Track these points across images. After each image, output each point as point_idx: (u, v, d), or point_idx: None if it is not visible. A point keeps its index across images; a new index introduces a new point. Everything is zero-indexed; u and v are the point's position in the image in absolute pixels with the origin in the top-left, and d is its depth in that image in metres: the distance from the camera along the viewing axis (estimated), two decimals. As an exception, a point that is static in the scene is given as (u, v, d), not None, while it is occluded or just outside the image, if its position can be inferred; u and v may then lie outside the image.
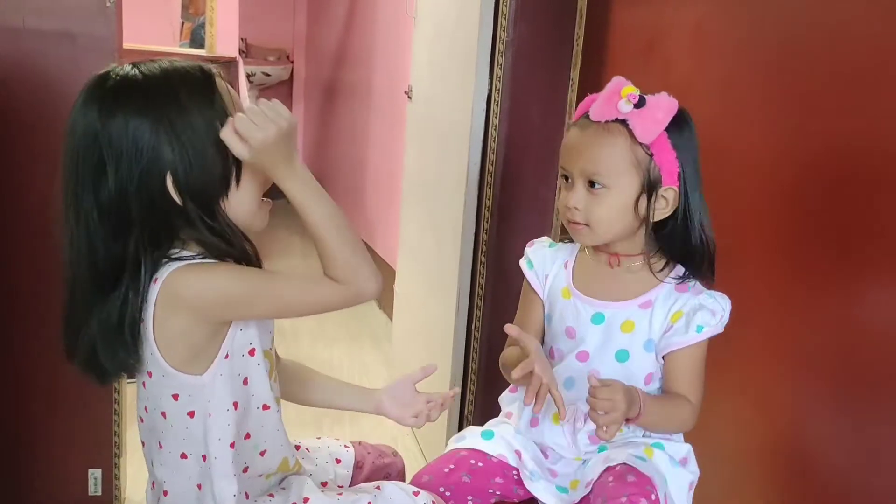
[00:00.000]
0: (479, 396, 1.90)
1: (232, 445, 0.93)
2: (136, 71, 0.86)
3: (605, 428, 0.90)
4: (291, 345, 2.84)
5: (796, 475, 1.12)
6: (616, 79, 0.99)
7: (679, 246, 1.01)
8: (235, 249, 0.89)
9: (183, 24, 3.70)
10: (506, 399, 1.18)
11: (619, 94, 0.96)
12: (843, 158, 1.04)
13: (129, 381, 1.74)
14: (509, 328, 1.00)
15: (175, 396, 0.90)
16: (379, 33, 3.57)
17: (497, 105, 1.76)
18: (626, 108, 0.95)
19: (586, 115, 1.00)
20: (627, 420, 0.94)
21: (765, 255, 1.19)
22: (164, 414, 0.91)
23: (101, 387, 0.93)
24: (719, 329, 1.01)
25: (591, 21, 1.69)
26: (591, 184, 0.98)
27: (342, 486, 1.11)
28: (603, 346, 1.04)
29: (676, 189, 0.98)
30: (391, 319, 2.80)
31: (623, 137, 0.96)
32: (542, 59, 1.74)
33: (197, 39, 3.60)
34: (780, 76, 1.16)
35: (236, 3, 3.68)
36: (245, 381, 0.93)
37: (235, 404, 0.92)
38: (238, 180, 0.88)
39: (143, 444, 0.97)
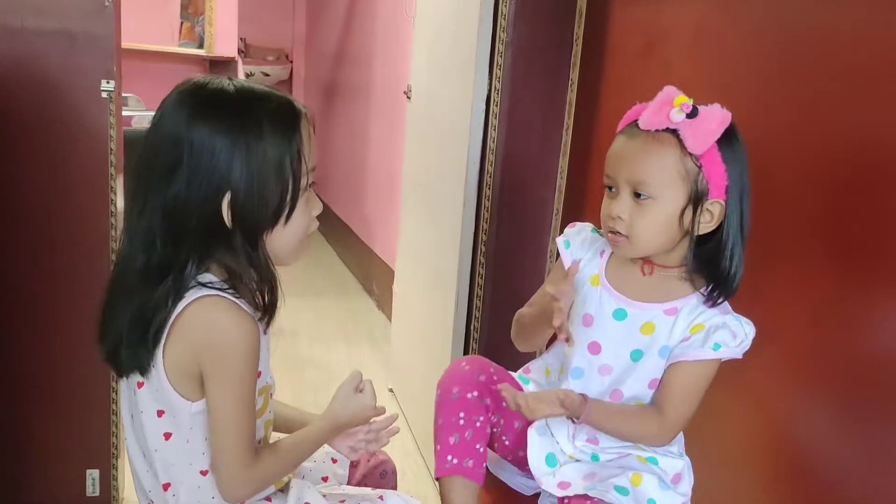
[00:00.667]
0: (478, 397, 1.90)
1: (203, 473, 0.92)
2: (233, 87, 0.87)
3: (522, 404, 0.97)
4: (290, 346, 2.85)
5: (794, 478, 1.12)
6: (667, 88, 0.97)
7: (708, 262, 0.99)
8: (263, 283, 0.89)
9: (182, 23, 3.70)
10: None
11: (671, 104, 0.94)
12: (844, 160, 1.04)
13: (127, 381, 1.75)
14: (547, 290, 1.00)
15: (160, 413, 0.90)
16: (378, 33, 3.57)
17: (496, 105, 1.76)
18: (678, 117, 0.93)
19: (634, 124, 0.98)
20: (573, 421, 1.01)
21: (764, 257, 1.19)
22: (143, 425, 0.91)
23: (119, 378, 0.94)
24: (737, 354, 0.99)
25: (591, 21, 1.69)
26: (637, 194, 0.96)
27: (342, 484, 1.11)
28: (619, 342, 1.03)
29: (723, 203, 0.96)
30: (390, 320, 2.80)
31: (673, 147, 0.95)
32: (541, 60, 1.74)
33: (196, 39, 3.60)
34: (779, 77, 1.16)
35: (235, 2, 3.68)
36: None
37: None
38: (288, 219, 0.88)
39: (128, 450, 0.97)
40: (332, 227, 4.27)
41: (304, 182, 0.88)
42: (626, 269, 1.05)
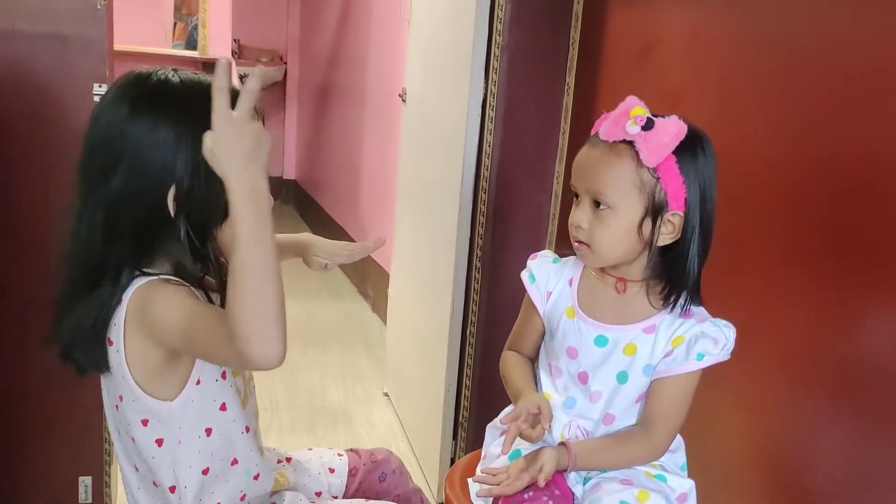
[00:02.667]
0: (474, 401, 1.90)
1: (205, 472, 0.91)
2: (177, 78, 0.86)
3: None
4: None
5: (791, 486, 1.12)
6: (629, 98, 0.97)
7: (668, 271, 1.00)
8: (211, 277, 0.87)
9: (175, 24, 3.68)
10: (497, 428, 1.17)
11: (628, 115, 0.95)
12: (840, 164, 1.04)
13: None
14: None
15: (144, 422, 0.89)
16: (373, 35, 3.56)
17: (492, 110, 1.75)
18: (632, 129, 0.94)
19: (598, 134, 0.99)
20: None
21: (762, 262, 1.19)
22: (133, 440, 0.90)
23: (80, 378, 0.92)
24: (724, 357, 0.99)
25: (587, 26, 1.68)
26: (597, 203, 0.97)
27: (336, 497, 1.10)
28: (604, 366, 1.03)
29: (682, 214, 0.96)
30: (385, 323, 2.79)
31: (629, 159, 0.95)
32: (537, 64, 1.74)
33: (189, 40, 3.59)
34: (775, 82, 1.16)
35: (229, 3, 3.66)
36: (223, 407, 0.92)
37: (209, 430, 0.91)
38: None
39: (120, 468, 0.96)
40: (327, 229, 4.26)
41: None
42: (599, 293, 1.05)
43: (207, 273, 0.88)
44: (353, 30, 3.99)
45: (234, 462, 0.94)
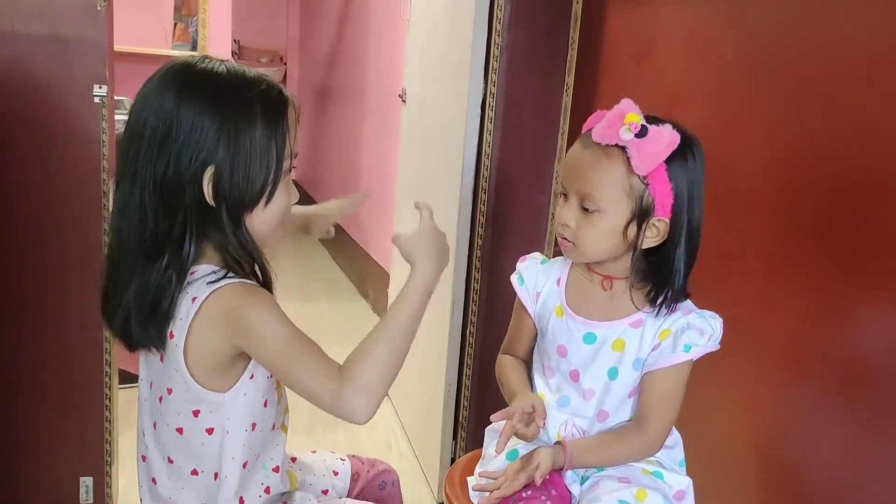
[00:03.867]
0: (474, 400, 1.90)
1: (244, 466, 0.93)
2: (224, 68, 0.89)
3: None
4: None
5: (787, 480, 1.12)
6: (624, 101, 0.97)
7: (651, 273, 1.00)
8: (255, 262, 0.90)
9: (175, 24, 3.68)
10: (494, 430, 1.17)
11: (622, 120, 0.95)
12: (834, 164, 1.04)
13: (120, 387, 1.74)
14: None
15: (196, 413, 0.90)
16: (372, 36, 3.56)
17: (492, 110, 1.75)
18: (626, 136, 0.94)
19: (590, 133, 0.99)
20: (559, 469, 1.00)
21: (756, 261, 1.19)
22: (180, 430, 0.91)
23: (130, 353, 0.94)
24: (712, 347, 1.00)
25: (586, 26, 1.69)
26: (584, 207, 0.98)
27: (342, 497, 1.10)
28: (594, 364, 1.04)
29: (668, 220, 0.97)
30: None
31: (620, 164, 0.95)
32: (536, 64, 1.74)
33: (189, 41, 3.59)
34: (772, 82, 1.16)
35: (229, 4, 3.66)
36: (265, 404, 0.94)
37: (253, 425, 0.93)
38: (269, 200, 0.89)
39: (142, 458, 0.96)
40: (327, 229, 4.25)
41: (286, 165, 0.90)
42: (586, 291, 1.06)
43: (251, 256, 0.90)
44: (353, 30, 3.99)
45: (258, 457, 0.96)
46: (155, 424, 0.94)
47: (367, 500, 1.13)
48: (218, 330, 0.86)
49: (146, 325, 0.87)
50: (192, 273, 0.87)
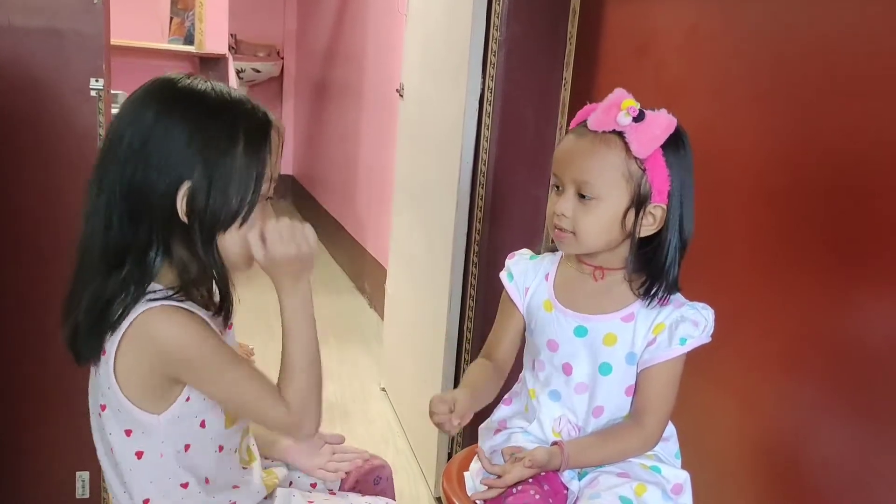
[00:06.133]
0: (471, 397, 1.90)
1: (184, 486, 0.92)
2: (209, 86, 0.88)
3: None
4: (279, 344, 2.82)
5: (785, 477, 1.12)
6: (617, 90, 0.98)
7: (647, 263, 1.01)
8: (216, 283, 0.90)
9: (172, 19, 3.67)
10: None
11: (618, 107, 0.95)
12: (834, 162, 1.05)
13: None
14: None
15: (128, 432, 0.89)
16: (370, 30, 3.55)
17: (490, 105, 1.75)
18: (624, 120, 0.95)
19: (584, 124, 1.00)
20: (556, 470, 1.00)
21: (755, 257, 1.19)
22: (111, 450, 0.90)
23: (79, 366, 0.92)
24: (705, 339, 1.00)
25: (585, 21, 1.68)
26: (581, 194, 0.98)
27: (332, 493, 1.10)
28: (586, 358, 1.04)
29: (665, 207, 0.98)
30: (382, 319, 2.79)
31: (618, 149, 0.96)
32: (535, 59, 1.73)
33: (186, 35, 3.57)
34: (772, 78, 1.16)
35: (226, -2, 3.65)
36: (202, 424, 0.92)
37: (187, 447, 0.91)
38: (244, 222, 0.88)
39: (103, 472, 0.95)
40: (324, 225, 4.25)
41: (264, 189, 0.89)
42: (575, 284, 1.06)
43: (212, 277, 0.89)
44: (351, 25, 3.98)
45: (207, 481, 0.94)
46: (98, 438, 0.92)
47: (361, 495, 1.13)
48: (143, 357, 0.85)
49: (90, 335, 0.86)
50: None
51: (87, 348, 0.87)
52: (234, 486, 0.97)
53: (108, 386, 0.87)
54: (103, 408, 0.89)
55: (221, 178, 0.85)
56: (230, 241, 0.88)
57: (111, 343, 0.85)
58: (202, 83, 0.88)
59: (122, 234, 0.85)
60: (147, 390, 0.87)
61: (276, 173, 0.90)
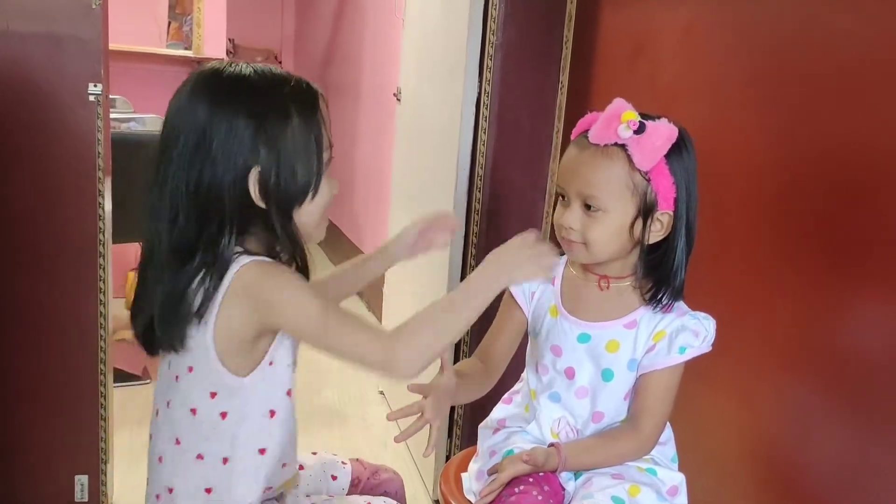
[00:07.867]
0: (469, 399, 1.90)
1: (262, 452, 0.93)
2: (252, 71, 0.90)
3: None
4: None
5: (783, 481, 1.13)
6: (617, 101, 0.98)
7: (655, 268, 1.01)
8: (298, 257, 0.93)
9: (170, 23, 3.67)
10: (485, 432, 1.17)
11: (618, 119, 0.95)
12: (831, 162, 1.05)
13: (115, 385, 1.74)
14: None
15: (213, 394, 0.91)
16: (368, 34, 3.56)
17: (486, 108, 1.76)
18: (625, 133, 0.95)
19: (585, 135, 1.00)
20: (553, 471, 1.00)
21: (753, 258, 1.20)
22: (193, 411, 0.92)
23: (151, 357, 0.95)
24: (705, 349, 1.01)
25: (580, 24, 1.69)
26: (588, 205, 0.98)
27: (333, 496, 1.10)
28: (589, 364, 1.05)
29: (671, 213, 0.98)
30: (380, 321, 2.79)
31: (621, 162, 0.96)
32: (531, 62, 1.74)
33: (184, 40, 3.58)
34: (767, 80, 1.16)
35: (224, 2, 3.65)
36: (289, 393, 0.95)
37: (272, 412, 0.93)
38: (315, 192, 0.91)
39: (150, 436, 0.97)
40: (322, 228, 4.25)
41: (326, 156, 0.92)
42: (580, 291, 1.06)
43: (295, 251, 0.92)
44: (348, 29, 3.99)
45: (277, 450, 0.96)
46: (169, 403, 0.94)
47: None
48: (243, 306, 0.87)
49: (170, 325, 0.88)
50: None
51: (166, 338, 0.89)
52: (283, 465, 0.98)
53: (205, 346, 0.88)
54: (190, 370, 0.90)
55: (286, 155, 0.87)
56: (305, 213, 0.91)
57: (211, 308, 0.87)
58: (245, 67, 0.90)
59: (188, 232, 0.87)
60: (237, 349, 0.89)
61: (331, 140, 0.93)
